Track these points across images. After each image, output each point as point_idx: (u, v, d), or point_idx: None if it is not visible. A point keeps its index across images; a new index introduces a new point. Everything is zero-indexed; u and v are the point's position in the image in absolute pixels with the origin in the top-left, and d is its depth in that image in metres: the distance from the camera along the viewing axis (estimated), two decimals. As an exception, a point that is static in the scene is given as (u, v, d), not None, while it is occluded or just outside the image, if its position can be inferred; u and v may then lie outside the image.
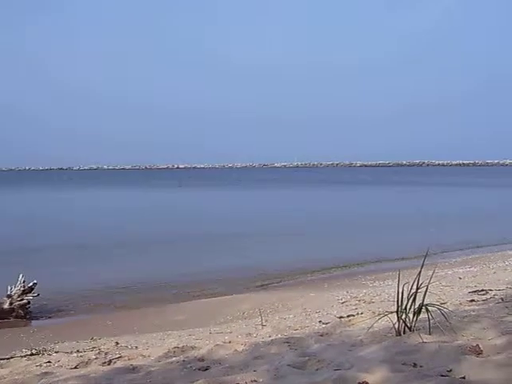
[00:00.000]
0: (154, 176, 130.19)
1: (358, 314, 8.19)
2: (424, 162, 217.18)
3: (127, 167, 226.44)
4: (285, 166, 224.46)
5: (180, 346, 6.73)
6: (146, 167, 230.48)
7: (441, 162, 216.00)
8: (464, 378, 3.80)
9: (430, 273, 5.64)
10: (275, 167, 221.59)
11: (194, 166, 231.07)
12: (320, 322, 8.03)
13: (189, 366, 5.29)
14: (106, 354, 6.86)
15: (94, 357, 6.62)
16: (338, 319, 7.67)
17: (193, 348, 6.47)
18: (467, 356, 4.24)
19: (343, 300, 10.60)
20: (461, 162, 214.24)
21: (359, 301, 10.26)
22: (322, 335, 6.17)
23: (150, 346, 7.43)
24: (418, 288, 5.23)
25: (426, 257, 5.41)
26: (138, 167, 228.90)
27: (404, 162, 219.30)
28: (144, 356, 6.43)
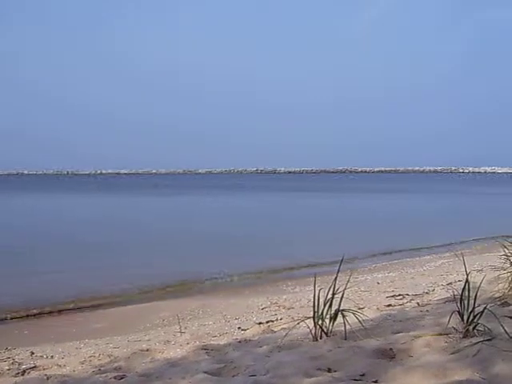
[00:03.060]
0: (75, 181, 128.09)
1: (277, 319, 8.25)
2: (347, 169, 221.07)
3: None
4: (210, 171, 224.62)
5: (96, 354, 6.63)
6: (67, 172, 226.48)
7: (363, 169, 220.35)
8: (376, 381, 3.86)
9: (350, 278, 5.72)
10: (199, 173, 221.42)
11: (117, 171, 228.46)
12: (239, 328, 8.04)
13: (104, 375, 5.20)
14: (19, 364, 6.68)
15: (7, 368, 6.44)
16: (257, 325, 7.69)
17: (109, 356, 6.37)
18: (380, 360, 4.31)
19: (263, 306, 10.64)
20: (382, 168, 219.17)
21: (279, 307, 10.33)
22: (240, 342, 6.17)
23: (65, 356, 7.27)
24: (334, 293, 5.30)
25: (341, 262, 5.47)
26: (60, 173, 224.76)
27: (327, 169, 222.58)
28: (59, 366, 6.29)
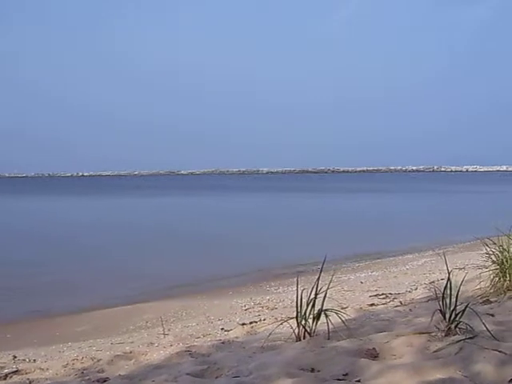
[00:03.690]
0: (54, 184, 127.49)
1: (260, 320, 8.25)
2: (329, 169, 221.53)
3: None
4: (191, 173, 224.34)
5: (79, 357, 6.58)
6: (49, 174, 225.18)
7: (345, 169, 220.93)
8: (359, 381, 3.87)
9: (333, 278, 5.73)
10: (181, 174, 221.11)
11: (98, 173, 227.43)
12: (222, 329, 8.04)
13: (87, 378, 5.17)
14: (1, 368, 6.60)
15: (-11, 372, 6.39)
16: (241, 326, 7.69)
17: (92, 359, 6.33)
18: (363, 359, 4.32)
19: (247, 307, 10.64)
20: (365, 168, 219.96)
21: (262, 307, 10.33)
22: (223, 343, 6.16)
23: (48, 359, 7.21)
24: (316, 293, 5.30)
25: (324, 262, 5.48)
26: (41, 175, 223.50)
27: (309, 169, 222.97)
28: (42, 369, 6.24)
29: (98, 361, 6.14)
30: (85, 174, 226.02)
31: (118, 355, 6.21)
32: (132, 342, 7.94)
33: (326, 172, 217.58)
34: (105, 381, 4.95)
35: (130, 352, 6.50)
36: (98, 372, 5.46)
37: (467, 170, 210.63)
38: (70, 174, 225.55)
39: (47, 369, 6.20)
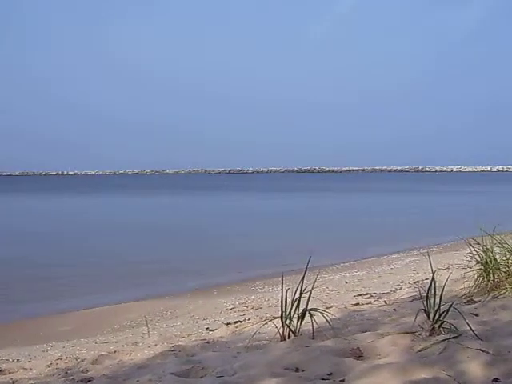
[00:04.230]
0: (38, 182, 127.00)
1: (245, 320, 8.25)
2: (315, 169, 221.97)
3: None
4: (177, 172, 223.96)
5: (63, 357, 6.54)
6: (33, 173, 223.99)
7: (331, 169, 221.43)
8: (343, 380, 3.88)
9: (318, 278, 5.74)
10: (167, 173, 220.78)
11: (84, 172, 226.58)
12: (207, 328, 8.03)
13: (71, 377, 5.14)
14: (-16, 368, 6.58)
15: (-29, 372, 6.34)
16: (226, 326, 7.68)
17: (76, 359, 6.29)
18: (348, 359, 4.33)
19: (231, 306, 10.63)
20: (350, 168, 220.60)
21: (247, 307, 10.33)
22: (208, 342, 6.16)
23: (32, 359, 7.16)
24: (301, 293, 5.30)
25: (309, 261, 5.48)
26: (26, 173, 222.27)
27: (295, 169, 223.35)
28: (25, 369, 6.20)
29: (82, 360, 6.11)
30: (70, 173, 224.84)
31: (102, 355, 6.18)
32: (116, 342, 7.90)
33: (311, 171, 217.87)
34: (89, 381, 4.93)
35: (115, 351, 6.48)
36: (82, 372, 5.44)
37: (452, 171, 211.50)
38: (54, 173, 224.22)
39: (31, 369, 6.16)
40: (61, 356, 6.73)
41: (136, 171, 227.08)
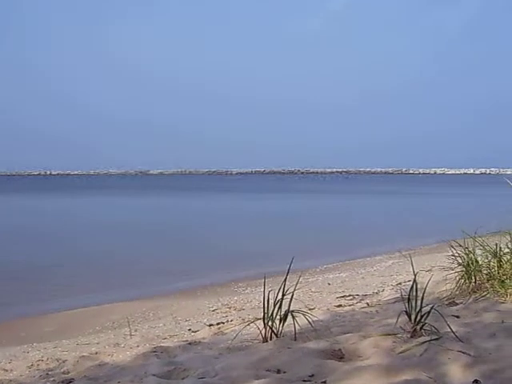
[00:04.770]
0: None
1: (227, 321, 8.24)
2: (299, 170, 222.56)
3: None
4: (161, 173, 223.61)
5: (44, 358, 6.52)
6: (16, 172, 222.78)
7: (315, 170, 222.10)
8: (325, 382, 3.88)
9: (301, 279, 5.74)
10: (151, 174, 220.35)
11: (67, 172, 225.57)
12: (189, 330, 8.02)
13: (52, 379, 5.12)
14: (-36, 369, 6.54)
15: (-49, 373, 6.29)
16: (208, 327, 7.67)
17: (58, 360, 6.27)
18: (329, 361, 4.34)
19: (214, 308, 10.61)
20: (334, 169, 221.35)
21: (230, 308, 10.32)
22: (190, 343, 6.14)
23: (12, 360, 7.12)
24: (283, 294, 5.31)
25: (291, 263, 5.48)
26: (8, 173, 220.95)
27: (280, 170, 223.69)
28: (6, 370, 6.18)
29: (64, 362, 6.08)
30: (53, 173, 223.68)
31: (83, 356, 6.16)
32: (98, 343, 7.87)
33: (295, 173, 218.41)
34: (70, 382, 4.91)
35: (96, 353, 6.46)
36: (63, 373, 5.42)
37: (435, 173, 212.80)
38: (37, 173, 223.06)
39: (11, 370, 6.13)
40: (42, 357, 6.70)
41: (119, 172, 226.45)
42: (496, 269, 6.44)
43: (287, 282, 5.32)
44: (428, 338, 4.39)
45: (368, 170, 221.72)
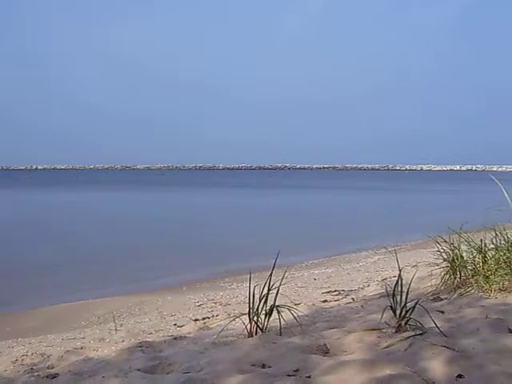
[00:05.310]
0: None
1: (213, 316, 8.26)
2: (286, 166, 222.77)
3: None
4: (148, 167, 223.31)
5: (29, 353, 6.52)
6: (2, 167, 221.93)
7: (302, 166, 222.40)
8: (309, 376, 3.89)
9: (287, 275, 5.75)
10: (137, 169, 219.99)
11: (53, 166, 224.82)
12: (175, 325, 8.03)
13: (36, 374, 5.09)
14: None
15: None
16: (193, 322, 7.68)
17: (42, 355, 6.27)
18: (314, 355, 4.34)
19: (200, 303, 10.63)
20: (321, 165, 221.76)
21: (215, 303, 10.33)
22: (175, 338, 6.13)
23: (-3, 355, 7.12)
24: (269, 289, 5.31)
25: (277, 258, 5.48)
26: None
27: (266, 166, 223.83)
28: (-10, 365, 6.16)
29: (48, 357, 6.08)
30: (39, 168, 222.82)
31: (68, 351, 6.16)
32: (83, 338, 7.87)
33: (282, 169, 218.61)
34: (54, 377, 4.88)
35: (81, 348, 6.45)
36: (48, 368, 5.40)
37: (422, 169, 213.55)
38: (23, 167, 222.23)
39: (-4, 365, 6.11)
40: (27, 352, 6.69)
41: (105, 166, 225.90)
42: (481, 264, 6.47)
43: (273, 277, 5.32)
44: (412, 333, 4.40)
45: (355, 166, 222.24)
